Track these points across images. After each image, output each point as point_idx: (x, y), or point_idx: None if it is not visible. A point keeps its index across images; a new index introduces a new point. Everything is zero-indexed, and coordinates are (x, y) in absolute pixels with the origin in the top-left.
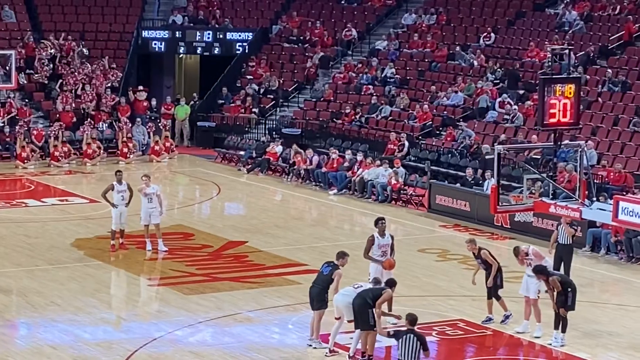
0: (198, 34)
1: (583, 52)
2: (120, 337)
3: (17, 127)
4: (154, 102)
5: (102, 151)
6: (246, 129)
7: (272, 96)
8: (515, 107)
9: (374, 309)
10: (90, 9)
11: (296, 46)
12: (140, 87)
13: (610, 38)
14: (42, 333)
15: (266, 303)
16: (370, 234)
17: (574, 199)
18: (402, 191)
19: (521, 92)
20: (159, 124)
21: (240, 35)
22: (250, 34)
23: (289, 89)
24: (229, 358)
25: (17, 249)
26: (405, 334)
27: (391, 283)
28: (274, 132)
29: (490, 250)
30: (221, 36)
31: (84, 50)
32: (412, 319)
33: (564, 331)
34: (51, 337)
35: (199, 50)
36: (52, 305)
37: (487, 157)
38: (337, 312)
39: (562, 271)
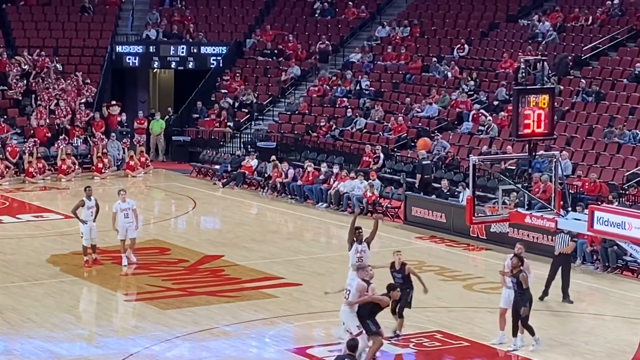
0: (172, 48)
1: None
2: (97, 352)
3: None
4: (124, 117)
5: (77, 167)
6: (221, 142)
7: (246, 110)
8: (490, 118)
9: (371, 319)
10: (64, 25)
11: (270, 59)
12: (114, 102)
13: (584, 48)
14: (19, 350)
15: (243, 317)
16: None
17: (550, 209)
18: (377, 203)
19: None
20: (134, 140)
21: (214, 49)
22: (224, 47)
23: (264, 102)
24: None
25: None
26: (343, 359)
27: (390, 287)
28: (249, 146)
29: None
30: (195, 50)
31: (58, 65)
32: (351, 345)
33: (533, 334)
34: (27, 354)
35: (173, 65)
36: (28, 322)
37: (423, 162)
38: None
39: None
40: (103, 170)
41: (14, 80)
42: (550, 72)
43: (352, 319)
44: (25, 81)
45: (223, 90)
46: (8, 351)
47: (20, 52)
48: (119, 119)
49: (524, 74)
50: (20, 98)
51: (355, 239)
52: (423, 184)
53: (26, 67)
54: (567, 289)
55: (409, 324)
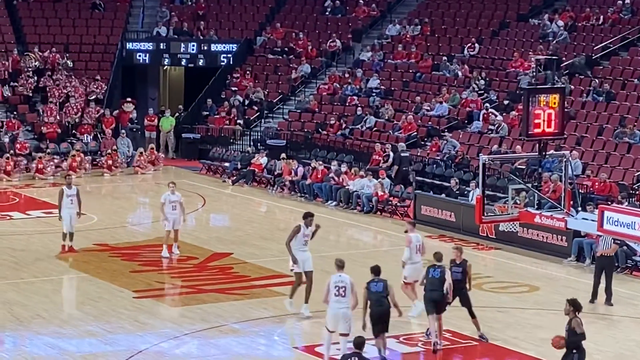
0: (182, 45)
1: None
2: (105, 349)
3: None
4: (134, 114)
5: (86, 163)
6: (231, 140)
7: (256, 107)
8: (500, 117)
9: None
10: (75, 21)
11: (280, 57)
12: (129, 99)
13: (595, 48)
14: (28, 346)
15: (252, 314)
16: (297, 224)
17: (559, 209)
18: (388, 202)
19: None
20: (146, 137)
21: (224, 47)
22: (235, 45)
23: (274, 100)
24: None
25: (2, 261)
26: (351, 357)
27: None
28: (258, 144)
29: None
30: (205, 48)
31: (68, 62)
32: (357, 342)
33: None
34: (36, 350)
35: (183, 62)
36: (37, 318)
37: (401, 154)
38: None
39: (603, 282)
40: (113, 167)
41: (25, 76)
42: (562, 71)
43: (351, 319)
44: (35, 77)
45: (233, 88)
46: (17, 347)
47: (31, 49)
48: (129, 116)
49: (535, 73)
50: (30, 94)
51: (305, 224)
52: (400, 176)
53: (37, 63)
54: (610, 291)
55: (419, 323)
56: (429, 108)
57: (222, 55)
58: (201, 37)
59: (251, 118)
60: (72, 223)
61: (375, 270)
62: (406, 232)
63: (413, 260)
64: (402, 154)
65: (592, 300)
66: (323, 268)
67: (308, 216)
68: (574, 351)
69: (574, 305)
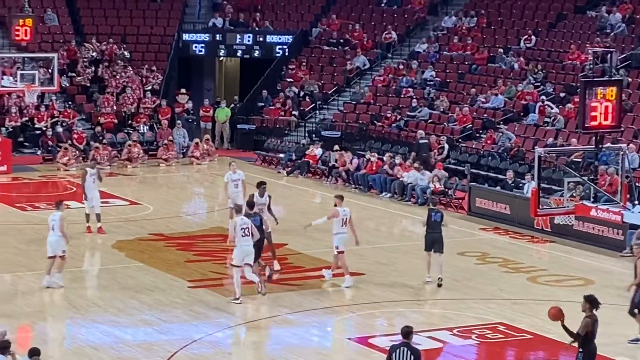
0: (238, 36)
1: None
2: (160, 338)
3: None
4: (190, 105)
5: (142, 154)
6: (286, 131)
7: (311, 99)
8: (556, 109)
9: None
10: (132, 12)
11: (336, 49)
12: (183, 91)
13: None
14: (84, 334)
15: (305, 305)
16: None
17: (616, 203)
18: (444, 194)
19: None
20: (201, 127)
21: (280, 38)
22: (290, 36)
23: (329, 92)
24: None
25: None
26: (400, 347)
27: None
28: (313, 135)
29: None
30: (261, 39)
31: (125, 53)
32: (406, 332)
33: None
34: (92, 338)
35: (239, 53)
36: (93, 307)
37: (420, 141)
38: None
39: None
40: (169, 158)
41: (82, 67)
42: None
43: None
44: (93, 68)
45: (288, 79)
46: (74, 335)
47: (89, 40)
48: (185, 107)
49: (592, 66)
50: (88, 85)
51: (258, 192)
52: (420, 162)
53: (94, 54)
54: None
55: (472, 315)
56: (484, 100)
57: (278, 47)
58: (257, 29)
59: (306, 109)
60: (95, 203)
61: (251, 205)
62: (335, 205)
63: (340, 231)
64: (421, 141)
65: None
66: (377, 260)
67: (260, 185)
68: (580, 350)
69: (590, 302)
